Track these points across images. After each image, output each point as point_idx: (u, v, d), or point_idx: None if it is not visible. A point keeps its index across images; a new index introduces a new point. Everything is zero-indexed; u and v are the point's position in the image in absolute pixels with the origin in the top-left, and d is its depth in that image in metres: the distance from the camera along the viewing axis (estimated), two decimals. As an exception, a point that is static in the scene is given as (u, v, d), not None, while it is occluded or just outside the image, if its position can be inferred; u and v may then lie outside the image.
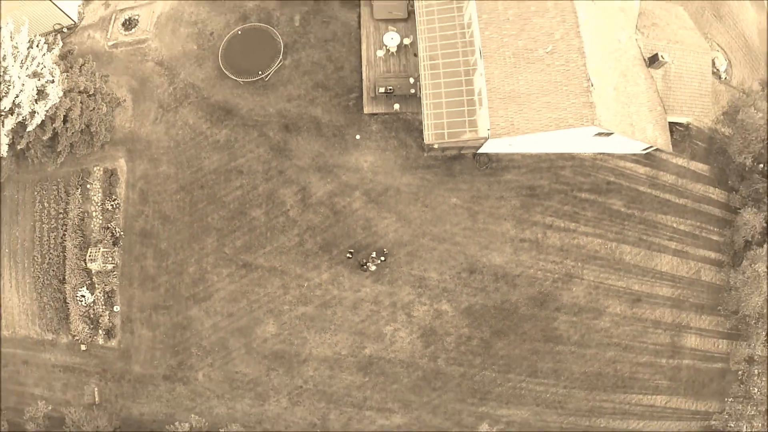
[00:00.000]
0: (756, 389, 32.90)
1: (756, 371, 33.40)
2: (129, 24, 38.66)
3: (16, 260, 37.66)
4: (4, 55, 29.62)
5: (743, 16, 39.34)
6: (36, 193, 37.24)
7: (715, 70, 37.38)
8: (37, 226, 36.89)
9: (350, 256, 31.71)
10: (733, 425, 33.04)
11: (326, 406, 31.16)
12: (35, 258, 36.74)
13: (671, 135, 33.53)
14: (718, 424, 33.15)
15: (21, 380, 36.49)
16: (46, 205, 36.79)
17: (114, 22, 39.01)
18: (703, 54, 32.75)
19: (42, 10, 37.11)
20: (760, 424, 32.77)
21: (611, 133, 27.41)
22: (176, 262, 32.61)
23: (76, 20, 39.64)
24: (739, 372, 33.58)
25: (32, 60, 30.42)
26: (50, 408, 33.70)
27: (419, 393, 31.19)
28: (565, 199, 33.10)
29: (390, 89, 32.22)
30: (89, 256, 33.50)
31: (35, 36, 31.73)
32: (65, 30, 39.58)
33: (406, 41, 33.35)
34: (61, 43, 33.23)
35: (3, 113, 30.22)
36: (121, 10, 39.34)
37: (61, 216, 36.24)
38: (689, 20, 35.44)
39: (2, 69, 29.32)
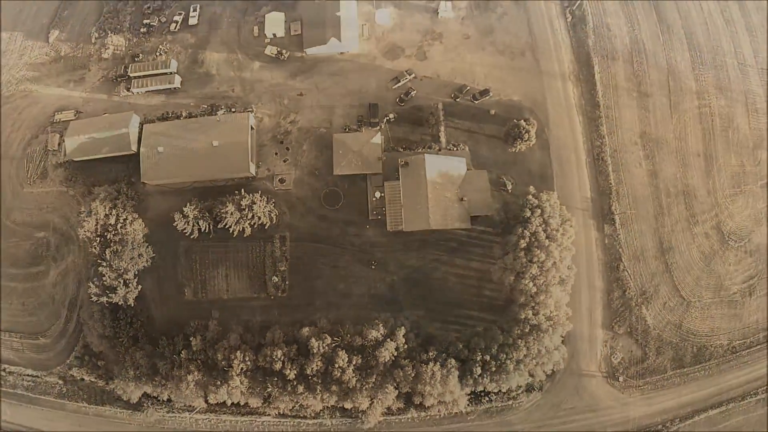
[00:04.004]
0: (516, 308, 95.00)
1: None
2: (282, 181, 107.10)
3: (236, 270, 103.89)
4: (255, 200, 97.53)
5: (530, 159, 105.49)
6: (248, 243, 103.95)
7: (505, 189, 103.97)
8: (249, 256, 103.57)
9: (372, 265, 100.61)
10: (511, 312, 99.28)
11: (358, 310, 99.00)
12: (249, 267, 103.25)
13: (479, 217, 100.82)
14: (508, 313, 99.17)
15: (238, 313, 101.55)
16: (252, 247, 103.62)
17: (275, 179, 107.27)
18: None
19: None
20: (519, 329, 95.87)
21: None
22: (311, 267, 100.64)
23: (255, 174, 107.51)
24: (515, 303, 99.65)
25: (270, 207, 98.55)
26: (261, 320, 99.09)
27: (388, 304, 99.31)
28: (436, 244, 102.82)
29: (377, 212, 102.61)
30: (278, 266, 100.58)
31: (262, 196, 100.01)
32: (249, 178, 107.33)
33: (383, 194, 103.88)
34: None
35: (254, 226, 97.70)
36: (276, 174, 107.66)
37: (260, 251, 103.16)
38: (486, 176, 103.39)
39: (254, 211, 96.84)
